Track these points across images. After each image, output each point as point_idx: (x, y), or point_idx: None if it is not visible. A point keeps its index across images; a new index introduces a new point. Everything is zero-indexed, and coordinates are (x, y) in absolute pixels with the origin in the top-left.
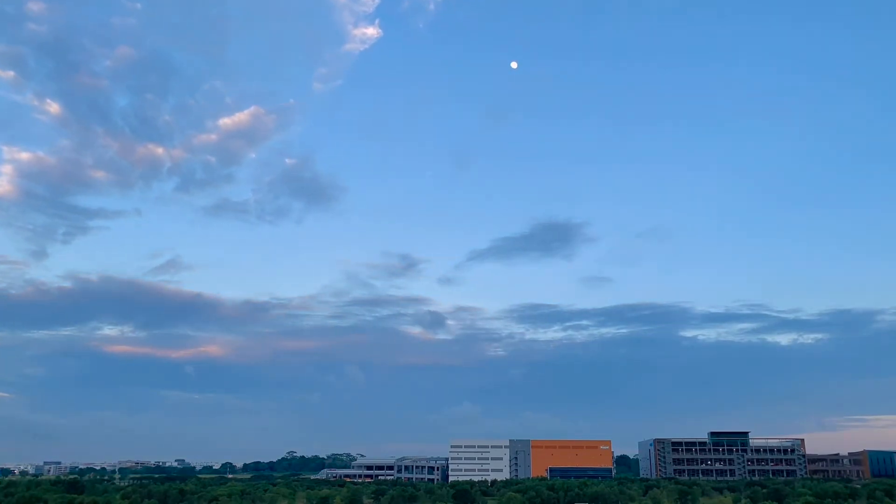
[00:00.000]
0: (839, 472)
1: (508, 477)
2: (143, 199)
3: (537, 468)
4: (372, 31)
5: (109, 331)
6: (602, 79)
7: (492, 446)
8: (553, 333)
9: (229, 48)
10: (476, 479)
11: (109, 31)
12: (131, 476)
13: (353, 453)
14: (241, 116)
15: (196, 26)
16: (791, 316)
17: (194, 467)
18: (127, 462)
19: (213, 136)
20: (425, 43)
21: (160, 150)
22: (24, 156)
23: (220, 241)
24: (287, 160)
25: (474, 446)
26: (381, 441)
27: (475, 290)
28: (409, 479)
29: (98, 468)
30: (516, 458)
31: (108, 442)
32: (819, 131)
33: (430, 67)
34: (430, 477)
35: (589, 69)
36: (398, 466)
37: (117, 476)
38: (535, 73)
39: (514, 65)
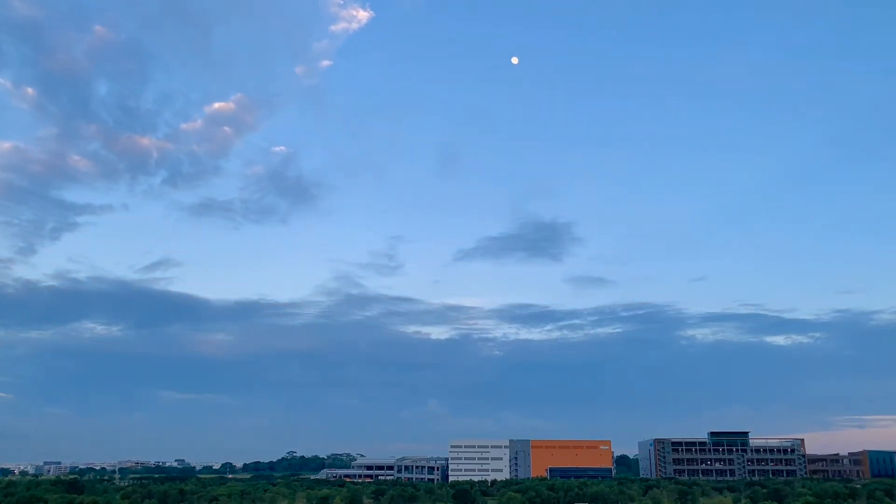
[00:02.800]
0: (839, 472)
1: (508, 477)
2: (130, 194)
3: (537, 468)
4: (362, 14)
5: (102, 330)
6: (596, 65)
7: (492, 446)
8: (547, 333)
9: (213, 34)
10: (476, 479)
11: (87, 16)
12: (131, 476)
13: (353, 453)
14: (227, 104)
15: (177, 11)
16: (788, 315)
17: (194, 467)
18: (127, 462)
19: (199, 123)
20: (414, 30)
21: (145, 141)
22: (5, 146)
23: (210, 239)
24: (274, 148)
25: (474, 446)
26: (381, 441)
27: (464, 290)
28: (409, 479)
29: (98, 468)
30: (516, 458)
31: (108, 442)
32: (822, 124)
33: (419, 56)
34: (430, 477)
35: (582, 55)
36: (398, 466)
37: (117, 476)
38: (530, 63)
39: (514, 60)
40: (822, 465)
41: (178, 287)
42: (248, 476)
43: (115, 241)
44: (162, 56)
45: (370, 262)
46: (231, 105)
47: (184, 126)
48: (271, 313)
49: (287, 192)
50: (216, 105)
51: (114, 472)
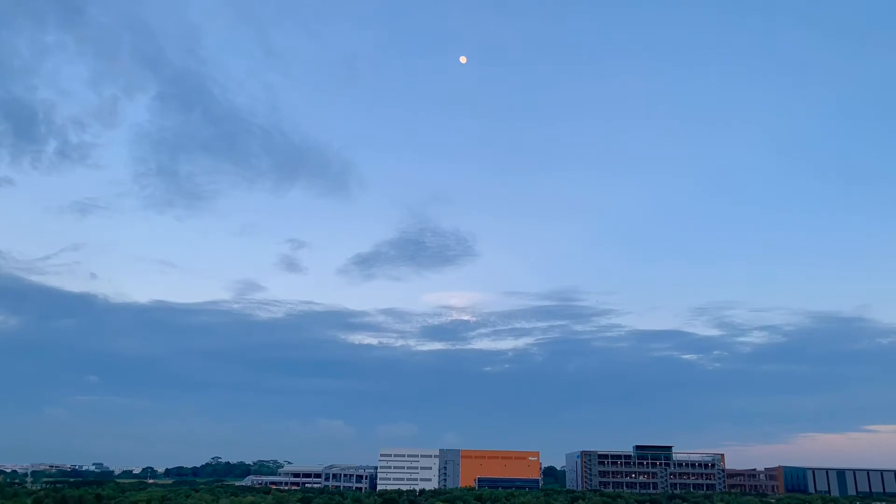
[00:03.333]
0: (755, 486)
1: (437, 486)
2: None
3: (466, 478)
4: None
5: (13, 321)
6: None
7: (421, 455)
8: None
9: None
10: (405, 488)
11: None
12: (45, 479)
13: (281, 460)
14: None
15: None
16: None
17: (113, 471)
18: (40, 465)
19: None
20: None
21: None
22: None
23: (121, 232)
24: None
25: (404, 455)
26: (309, 448)
27: (370, 298)
28: (336, 487)
29: (9, 471)
30: (445, 467)
31: (20, 443)
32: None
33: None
34: (359, 486)
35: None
36: (326, 474)
37: (29, 480)
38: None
39: (462, 59)
40: (740, 480)
41: (85, 281)
42: (170, 481)
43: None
44: None
45: (275, 261)
46: None
47: None
48: (196, 314)
49: (180, 192)
50: None
51: (26, 475)
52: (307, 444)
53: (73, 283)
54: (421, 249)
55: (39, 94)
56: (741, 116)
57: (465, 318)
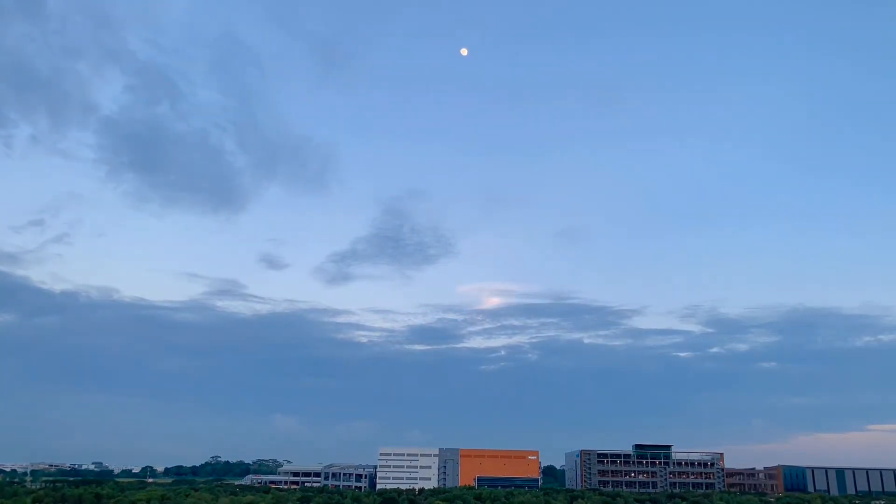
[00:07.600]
0: (755, 485)
1: (437, 485)
2: None
3: (465, 477)
4: None
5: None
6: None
7: (421, 454)
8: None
9: None
10: (404, 487)
11: None
12: (44, 479)
13: (280, 459)
14: None
15: None
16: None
17: (112, 470)
18: (40, 464)
19: None
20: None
21: None
22: None
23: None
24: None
25: (403, 454)
26: (309, 448)
27: (357, 296)
28: (336, 486)
29: (8, 470)
30: (445, 466)
31: (20, 442)
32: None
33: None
34: (358, 485)
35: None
36: (325, 473)
37: (29, 479)
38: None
39: (463, 52)
40: (740, 479)
41: (70, 276)
42: (170, 480)
43: None
44: None
45: (256, 259)
46: None
47: None
48: (174, 310)
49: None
50: None
51: (25, 474)
52: (306, 443)
53: (55, 280)
54: (401, 247)
55: (8, 76)
56: (739, 114)
57: (454, 316)
